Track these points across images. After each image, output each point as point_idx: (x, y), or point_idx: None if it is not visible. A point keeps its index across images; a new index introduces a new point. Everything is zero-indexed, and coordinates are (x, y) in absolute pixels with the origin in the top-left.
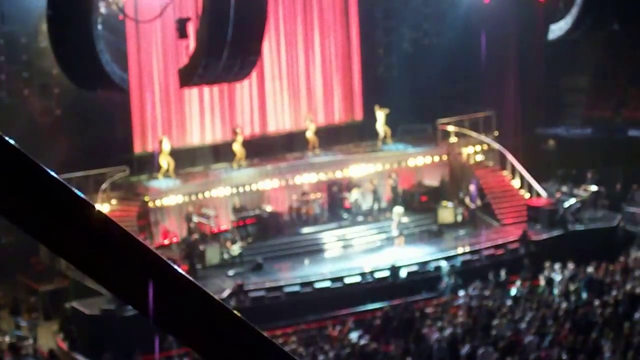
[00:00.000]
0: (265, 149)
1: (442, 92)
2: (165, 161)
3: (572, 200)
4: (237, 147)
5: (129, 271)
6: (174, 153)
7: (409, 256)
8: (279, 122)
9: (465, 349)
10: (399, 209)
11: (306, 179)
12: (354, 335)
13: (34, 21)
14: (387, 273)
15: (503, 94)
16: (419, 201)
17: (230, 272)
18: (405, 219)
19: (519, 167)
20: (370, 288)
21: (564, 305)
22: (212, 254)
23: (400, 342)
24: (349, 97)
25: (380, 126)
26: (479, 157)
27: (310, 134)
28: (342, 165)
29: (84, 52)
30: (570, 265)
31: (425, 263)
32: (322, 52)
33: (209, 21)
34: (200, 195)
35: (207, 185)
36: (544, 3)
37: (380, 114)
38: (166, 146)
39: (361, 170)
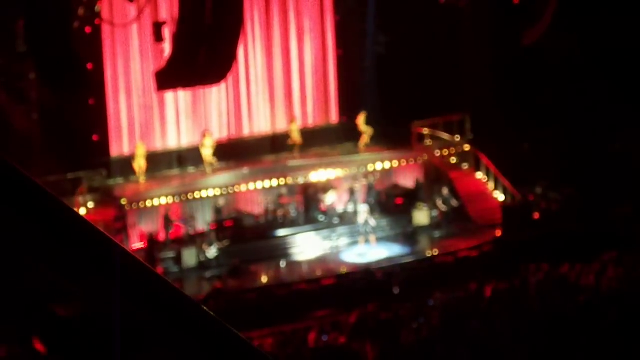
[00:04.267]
0: (242, 152)
1: (417, 94)
2: (139, 164)
3: (545, 203)
4: (207, 152)
5: (106, 274)
6: (151, 156)
7: (383, 257)
8: (255, 125)
9: (440, 351)
10: (364, 208)
11: (282, 182)
12: (329, 336)
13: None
14: (362, 274)
15: (478, 96)
16: (394, 203)
17: (207, 275)
18: (372, 221)
19: (494, 169)
20: (346, 289)
21: (538, 306)
22: (189, 256)
23: (376, 343)
24: (324, 100)
25: (361, 127)
26: (454, 160)
27: (294, 134)
28: (318, 168)
29: (64, 55)
30: (545, 267)
31: (401, 265)
32: (298, 56)
33: (184, 25)
34: (176, 198)
35: (183, 188)
36: (518, 5)
37: (360, 117)
38: (140, 150)
39: (336, 172)
